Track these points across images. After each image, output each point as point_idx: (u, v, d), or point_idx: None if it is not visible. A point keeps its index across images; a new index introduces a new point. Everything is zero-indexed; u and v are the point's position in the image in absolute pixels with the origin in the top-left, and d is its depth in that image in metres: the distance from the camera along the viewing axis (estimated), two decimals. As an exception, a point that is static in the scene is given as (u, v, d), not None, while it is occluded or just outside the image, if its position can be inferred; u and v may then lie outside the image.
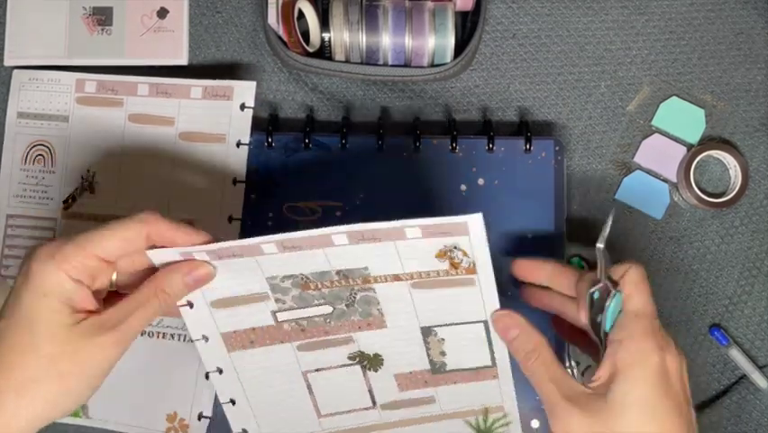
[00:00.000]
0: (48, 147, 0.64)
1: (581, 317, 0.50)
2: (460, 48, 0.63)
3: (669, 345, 0.47)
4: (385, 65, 0.64)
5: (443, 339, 0.54)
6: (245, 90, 0.63)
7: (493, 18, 0.67)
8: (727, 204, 0.65)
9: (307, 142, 0.63)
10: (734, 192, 0.65)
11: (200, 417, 0.62)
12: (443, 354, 0.55)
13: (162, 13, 0.67)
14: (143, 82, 0.64)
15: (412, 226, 0.48)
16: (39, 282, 0.47)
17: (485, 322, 0.52)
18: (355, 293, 0.52)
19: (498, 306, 0.51)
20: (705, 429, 0.64)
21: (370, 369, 0.56)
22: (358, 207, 0.63)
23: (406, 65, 0.64)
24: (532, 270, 0.55)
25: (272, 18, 0.61)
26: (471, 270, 0.50)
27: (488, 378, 0.55)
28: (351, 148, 0.64)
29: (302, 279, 0.51)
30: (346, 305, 0.53)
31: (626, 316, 0.48)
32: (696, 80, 0.67)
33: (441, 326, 0.53)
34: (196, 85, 0.63)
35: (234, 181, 0.63)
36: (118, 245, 0.49)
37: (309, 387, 0.56)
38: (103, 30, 0.67)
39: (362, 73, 0.63)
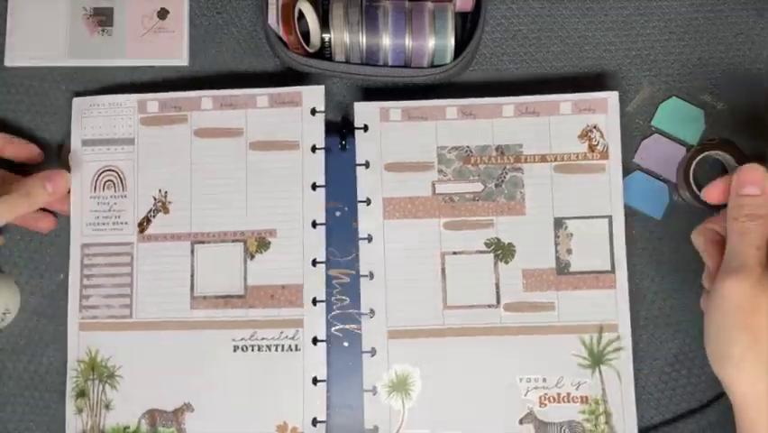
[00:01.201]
0: (116, 172, 0.64)
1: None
2: (460, 48, 0.63)
3: None
4: (385, 65, 0.64)
5: (571, 234, 0.62)
6: (314, 94, 0.63)
7: (493, 18, 0.67)
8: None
9: (307, 143, 0.64)
10: (734, 192, 0.65)
11: (314, 422, 0.60)
12: (569, 251, 0.62)
13: (162, 13, 0.67)
14: (207, 95, 0.64)
15: (565, 100, 0.63)
16: None
17: (610, 217, 0.62)
18: (506, 172, 0.62)
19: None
20: (705, 430, 0.64)
21: (501, 259, 0.62)
22: (358, 207, 0.63)
23: (406, 65, 0.64)
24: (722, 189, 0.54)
25: (272, 18, 0.62)
26: (605, 154, 0.62)
27: (606, 286, 0.61)
28: (351, 148, 0.64)
29: (466, 151, 0.62)
30: (495, 185, 0.62)
31: None
32: (696, 80, 0.67)
33: (571, 218, 0.62)
34: (262, 93, 0.63)
35: (314, 186, 0.62)
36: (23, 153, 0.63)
37: (443, 271, 0.62)
38: (103, 30, 0.67)
39: (362, 74, 0.63)
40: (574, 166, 0.63)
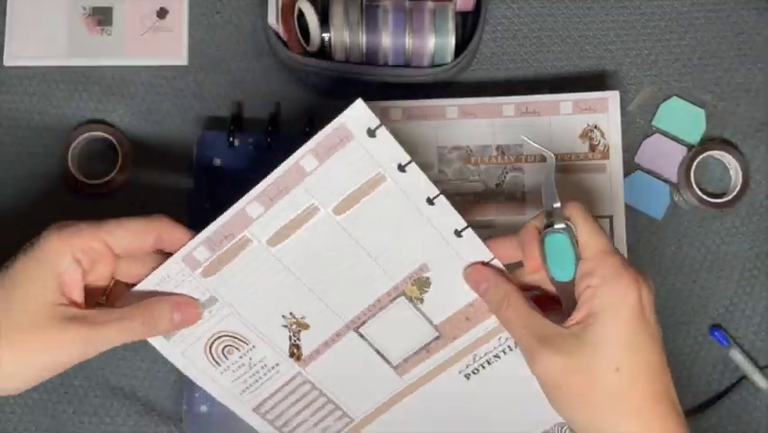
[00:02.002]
0: (225, 334, 0.54)
1: (530, 268, 0.50)
2: (460, 48, 0.63)
3: (641, 275, 0.47)
4: (385, 65, 0.64)
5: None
6: (357, 116, 0.48)
7: (493, 18, 0.67)
8: (728, 204, 0.65)
9: (307, 143, 0.63)
10: (734, 192, 0.65)
11: None
12: None
13: (162, 13, 0.67)
14: (248, 202, 0.50)
15: (566, 100, 0.62)
16: (39, 249, 0.47)
17: (611, 217, 0.61)
18: (506, 172, 0.61)
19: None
20: (705, 430, 0.64)
21: None
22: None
23: (407, 65, 0.64)
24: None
25: (272, 18, 0.61)
26: (605, 154, 0.62)
27: None
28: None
29: (467, 151, 0.61)
30: (496, 185, 0.61)
31: (590, 261, 0.48)
32: (696, 80, 0.67)
33: None
34: (304, 155, 0.49)
35: (429, 200, 0.51)
36: (128, 237, 0.49)
37: None
38: (103, 30, 0.67)
39: (362, 73, 0.63)
40: (575, 166, 0.63)
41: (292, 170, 0.50)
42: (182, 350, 0.55)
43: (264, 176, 0.50)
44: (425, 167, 0.56)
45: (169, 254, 0.51)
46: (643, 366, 0.46)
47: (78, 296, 0.48)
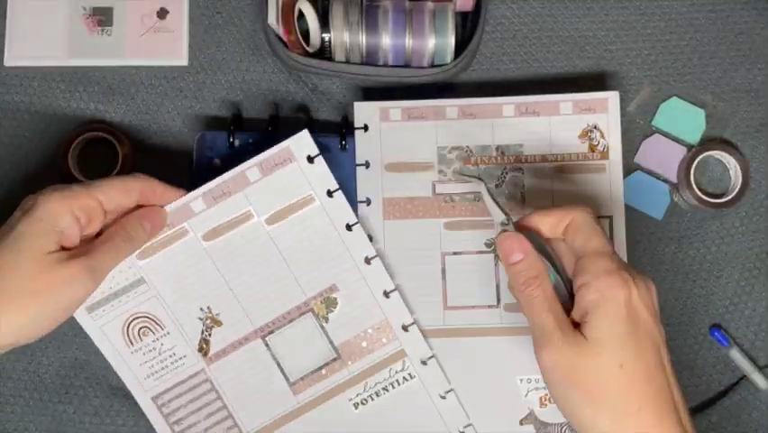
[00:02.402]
0: (145, 316, 0.59)
1: None
2: (460, 48, 0.63)
3: (634, 279, 0.48)
4: (385, 65, 0.64)
5: None
6: (302, 142, 0.58)
7: (493, 18, 0.67)
8: (728, 204, 0.65)
9: (307, 143, 0.63)
10: (734, 192, 0.65)
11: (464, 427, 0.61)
12: None
13: (162, 13, 0.67)
14: (194, 198, 0.58)
15: (566, 100, 0.62)
16: (39, 209, 0.52)
17: (610, 218, 0.61)
18: (506, 173, 0.62)
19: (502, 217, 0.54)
20: (705, 430, 0.64)
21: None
22: (358, 208, 0.63)
23: (407, 65, 0.64)
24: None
25: (272, 18, 0.61)
26: (605, 154, 0.61)
27: None
28: (351, 148, 0.64)
29: (466, 151, 0.61)
30: (496, 185, 0.61)
31: (584, 259, 0.49)
32: (696, 80, 0.67)
33: None
34: (250, 166, 0.58)
35: (348, 227, 0.60)
36: (118, 194, 0.55)
37: (444, 271, 0.61)
38: (103, 30, 0.67)
39: (362, 73, 0.63)
40: (575, 166, 0.63)
41: (238, 177, 0.58)
42: (101, 325, 0.59)
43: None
44: (425, 167, 0.62)
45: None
46: (641, 363, 0.47)
47: (76, 246, 0.54)
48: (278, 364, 0.60)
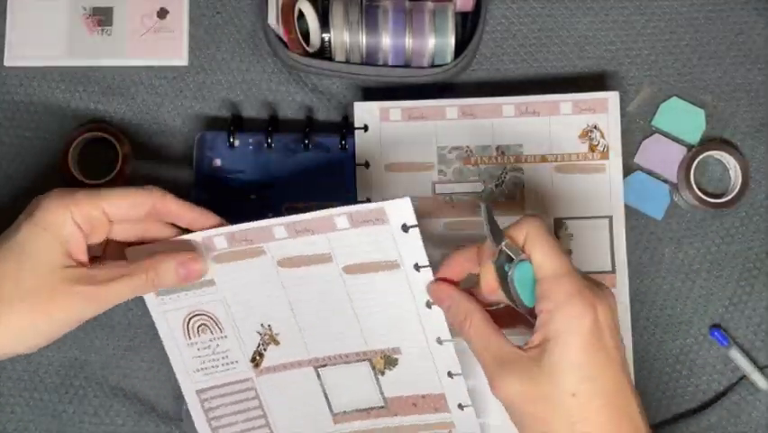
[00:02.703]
0: (207, 315, 0.58)
1: (486, 290, 0.49)
2: (460, 48, 0.63)
3: (598, 297, 0.46)
4: (385, 65, 0.64)
5: (571, 235, 0.62)
6: (400, 209, 0.52)
7: (493, 18, 0.67)
8: (728, 204, 0.65)
9: (307, 143, 0.64)
10: (734, 193, 0.65)
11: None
12: (569, 252, 0.61)
13: (162, 13, 0.67)
14: (277, 224, 0.54)
15: (566, 100, 0.62)
16: (42, 217, 0.49)
17: (610, 218, 0.62)
18: (506, 173, 0.62)
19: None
20: (705, 430, 0.64)
21: None
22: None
23: (407, 65, 0.64)
24: (450, 272, 0.53)
25: (272, 18, 0.61)
26: (605, 154, 0.62)
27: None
28: (350, 148, 0.64)
29: (466, 151, 0.62)
30: (495, 185, 0.62)
31: (544, 282, 0.47)
32: (696, 80, 0.67)
33: (571, 219, 0.62)
34: (339, 214, 0.53)
35: (428, 304, 0.55)
36: (125, 206, 0.52)
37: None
38: (103, 30, 0.67)
39: (362, 74, 0.63)
40: (574, 166, 0.63)
41: (325, 219, 0.54)
42: (165, 310, 0.57)
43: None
44: (425, 167, 0.62)
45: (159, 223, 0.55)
46: (599, 391, 0.45)
47: (83, 256, 0.51)
48: (326, 395, 0.59)
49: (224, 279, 0.57)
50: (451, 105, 0.63)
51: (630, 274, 0.63)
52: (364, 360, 0.58)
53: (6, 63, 0.67)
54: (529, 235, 0.48)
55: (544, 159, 0.63)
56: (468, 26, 0.66)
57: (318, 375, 0.59)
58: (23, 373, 0.65)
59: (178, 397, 0.63)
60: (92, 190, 0.52)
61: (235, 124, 0.65)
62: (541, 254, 0.47)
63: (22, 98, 0.67)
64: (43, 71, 0.67)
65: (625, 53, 0.67)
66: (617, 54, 0.67)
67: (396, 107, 0.63)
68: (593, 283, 0.48)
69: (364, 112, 0.63)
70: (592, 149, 0.63)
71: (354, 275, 0.55)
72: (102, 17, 0.67)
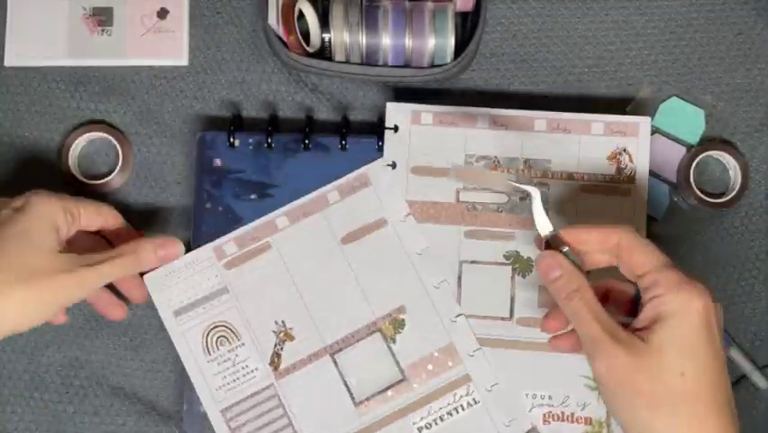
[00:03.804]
0: (225, 326, 0.61)
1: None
2: (460, 48, 0.63)
3: (708, 291, 0.48)
4: (385, 65, 0.64)
5: None
6: (377, 169, 0.62)
7: (493, 18, 0.67)
8: (727, 204, 0.65)
9: (307, 143, 0.64)
10: (734, 192, 0.65)
11: None
12: (588, 273, 0.57)
13: (162, 13, 0.67)
14: (280, 215, 0.62)
15: (597, 121, 0.62)
16: (36, 208, 0.55)
17: None
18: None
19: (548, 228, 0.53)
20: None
21: (519, 273, 0.61)
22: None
23: (407, 65, 0.64)
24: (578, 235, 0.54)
25: (272, 18, 0.61)
26: (632, 178, 0.62)
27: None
28: (350, 148, 0.64)
29: (494, 161, 0.62)
30: (520, 198, 0.62)
31: (649, 275, 0.49)
32: (696, 80, 0.67)
33: None
34: (332, 189, 0.62)
35: (419, 252, 0.62)
36: (86, 214, 0.58)
37: (460, 279, 0.61)
38: (103, 30, 0.67)
39: (362, 74, 0.63)
40: (600, 187, 0.62)
41: (319, 198, 0.62)
42: (184, 330, 0.61)
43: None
44: (449, 172, 0.63)
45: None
46: (707, 375, 0.46)
47: (66, 244, 0.57)
48: (345, 383, 0.61)
49: (235, 283, 0.61)
50: (482, 114, 0.63)
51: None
52: (374, 331, 0.61)
53: (6, 63, 0.67)
54: (623, 239, 0.50)
55: (570, 176, 0.62)
56: (468, 26, 0.66)
57: (335, 362, 0.61)
58: (24, 373, 0.65)
59: (179, 397, 0.63)
60: (77, 197, 0.59)
61: (235, 124, 0.65)
62: (641, 254, 0.49)
63: (22, 98, 0.67)
64: (43, 71, 0.67)
65: (625, 53, 0.67)
66: (617, 54, 0.67)
67: (428, 111, 0.63)
68: (696, 279, 0.49)
69: (396, 113, 0.63)
70: (619, 172, 0.62)
71: (350, 243, 0.61)
72: (102, 17, 0.67)
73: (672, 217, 0.66)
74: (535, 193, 0.54)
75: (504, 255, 0.62)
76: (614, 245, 0.51)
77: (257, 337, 0.61)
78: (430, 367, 0.60)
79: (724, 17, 0.67)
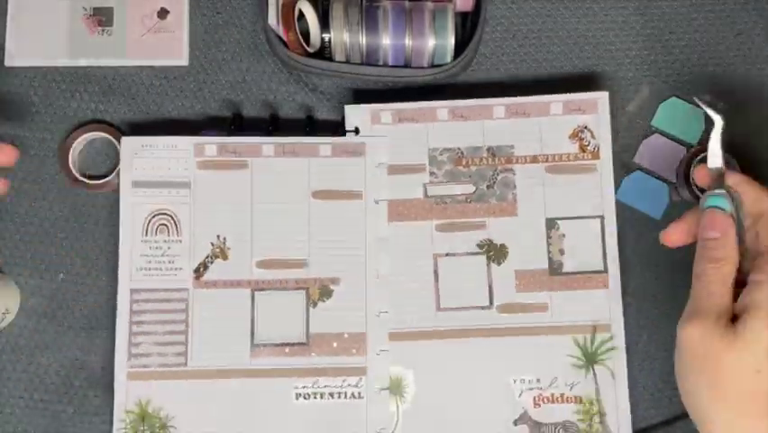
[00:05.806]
0: (171, 216, 0.62)
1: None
2: (460, 48, 0.63)
3: None
4: (385, 65, 0.64)
5: (563, 235, 0.62)
6: (378, 146, 0.63)
7: (493, 18, 0.67)
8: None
9: (307, 143, 0.64)
10: (734, 192, 0.65)
11: None
12: (561, 252, 0.62)
13: (162, 13, 0.67)
14: (268, 142, 0.62)
15: (555, 101, 0.63)
16: None
17: (602, 217, 0.62)
18: (497, 174, 0.62)
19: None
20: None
21: (494, 261, 0.62)
22: (358, 208, 0.64)
23: (407, 65, 0.64)
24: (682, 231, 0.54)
25: (272, 18, 0.62)
26: (596, 154, 0.62)
27: (599, 286, 0.62)
28: (350, 148, 0.64)
29: (457, 153, 0.62)
30: (487, 186, 0.62)
31: (765, 255, 0.48)
32: (696, 80, 0.67)
33: (563, 219, 0.62)
34: (325, 142, 0.63)
35: (378, 238, 0.62)
36: None
37: (436, 273, 0.62)
38: (103, 30, 0.67)
39: (362, 74, 0.63)
40: (565, 166, 0.63)
41: (310, 146, 0.62)
42: (135, 203, 0.62)
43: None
44: (416, 169, 0.64)
45: None
46: None
47: None
48: (252, 321, 0.61)
49: (200, 183, 0.62)
50: (441, 107, 0.63)
51: (629, 274, 0.63)
52: (302, 288, 0.62)
53: (6, 63, 0.67)
54: (766, 216, 0.49)
55: (534, 159, 0.63)
56: (468, 26, 0.66)
57: (253, 299, 0.62)
58: (23, 374, 0.65)
59: (178, 397, 0.63)
60: None
61: (235, 124, 0.65)
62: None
63: (23, 99, 0.67)
64: (43, 71, 0.67)
65: (624, 53, 0.67)
66: (617, 54, 0.67)
67: (386, 110, 0.64)
68: None
69: (355, 114, 0.64)
70: (583, 149, 0.63)
71: (319, 200, 0.62)
72: (102, 17, 0.67)
73: (672, 217, 0.65)
74: (718, 123, 0.53)
75: (477, 245, 0.62)
76: (759, 211, 0.50)
77: (195, 241, 0.62)
78: (335, 345, 0.61)
79: (724, 17, 0.67)
